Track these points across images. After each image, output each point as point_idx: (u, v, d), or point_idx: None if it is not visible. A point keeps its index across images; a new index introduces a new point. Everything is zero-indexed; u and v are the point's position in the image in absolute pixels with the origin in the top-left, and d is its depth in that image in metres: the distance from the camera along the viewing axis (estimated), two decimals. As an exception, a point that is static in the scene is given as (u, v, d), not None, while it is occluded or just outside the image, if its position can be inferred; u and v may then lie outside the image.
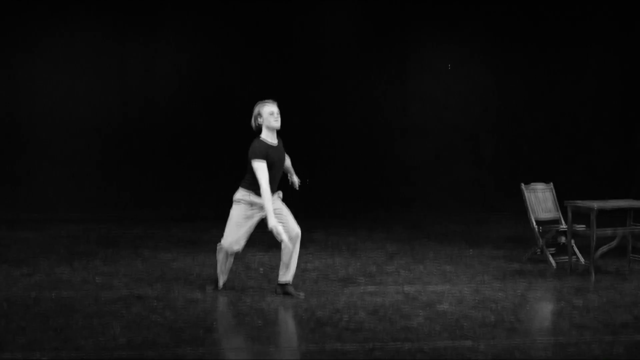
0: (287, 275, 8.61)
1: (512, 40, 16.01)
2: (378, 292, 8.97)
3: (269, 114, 8.32)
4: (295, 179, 8.90)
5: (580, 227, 10.34)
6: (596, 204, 9.94)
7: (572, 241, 10.26)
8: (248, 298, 8.58)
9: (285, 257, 8.52)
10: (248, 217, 8.42)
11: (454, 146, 16.04)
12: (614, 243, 10.08)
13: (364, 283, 9.40)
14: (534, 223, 10.70)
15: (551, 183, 11.04)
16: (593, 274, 9.88)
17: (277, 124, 8.35)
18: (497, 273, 10.03)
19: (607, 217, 10.45)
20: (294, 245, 8.42)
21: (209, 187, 15.10)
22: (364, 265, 10.46)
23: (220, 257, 8.61)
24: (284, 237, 8.10)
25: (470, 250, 11.05)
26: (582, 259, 10.61)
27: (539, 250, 10.69)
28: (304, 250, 11.46)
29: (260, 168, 8.18)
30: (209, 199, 14.91)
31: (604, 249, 10.16)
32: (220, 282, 8.78)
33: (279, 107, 8.41)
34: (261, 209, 8.27)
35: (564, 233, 10.45)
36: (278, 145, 8.41)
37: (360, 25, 15.75)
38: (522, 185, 10.83)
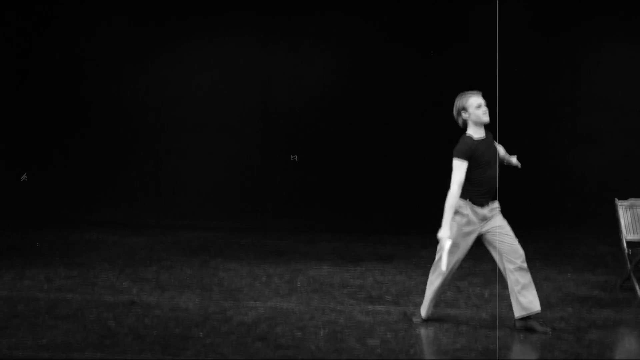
0: (423, 308, 8.28)
1: None
2: (377, 311, 8.63)
3: (475, 107, 7.88)
4: (514, 160, 8.41)
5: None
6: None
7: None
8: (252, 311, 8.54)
9: (429, 289, 8.22)
10: (465, 235, 8.03)
11: (634, 156, 14.88)
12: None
13: (384, 302, 9.04)
14: (625, 244, 9.74)
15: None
16: (667, 306, 8.88)
17: (486, 117, 7.89)
18: (558, 299, 9.30)
19: None
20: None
21: (337, 198, 15.06)
22: (417, 284, 10.10)
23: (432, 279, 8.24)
24: (443, 258, 7.81)
25: (485, 293, 10.16)
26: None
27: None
28: (381, 264, 11.23)
29: (458, 168, 7.77)
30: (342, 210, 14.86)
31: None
32: (423, 313, 8.31)
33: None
34: (482, 220, 7.93)
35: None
36: (487, 139, 7.95)
37: (531, 24, 15.03)
38: (617, 201, 9.91)
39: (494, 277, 10.61)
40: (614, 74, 15.05)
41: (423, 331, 7.94)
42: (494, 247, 7.95)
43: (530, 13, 15.21)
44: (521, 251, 7.88)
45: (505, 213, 14.09)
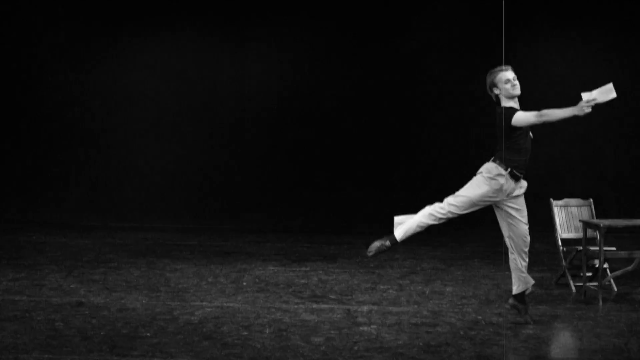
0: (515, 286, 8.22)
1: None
2: (321, 309, 8.62)
3: (504, 83, 7.77)
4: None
5: (610, 249, 9.46)
6: (604, 222, 9.06)
7: (605, 264, 9.37)
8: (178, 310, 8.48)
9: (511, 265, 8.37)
10: (485, 199, 8.06)
11: (570, 159, 15.08)
12: (630, 267, 9.09)
13: (328, 301, 9.03)
14: (559, 242, 9.84)
15: (590, 199, 10.12)
16: (600, 300, 8.97)
17: (516, 90, 7.77)
18: (496, 295, 9.38)
19: None
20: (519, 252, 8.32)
21: (282, 199, 15.06)
22: (360, 282, 10.09)
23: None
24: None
25: (426, 290, 10.15)
26: (614, 285, 9.67)
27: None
28: (325, 264, 11.25)
29: (522, 113, 7.66)
30: (286, 210, 14.87)
31: (617, 273, 9.23)
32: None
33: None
34: (508, 195, 7.93)
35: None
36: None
37: (460, 27, 15.17)
38: (552, 201, 10.00)
39: (434, 275, 10.69)
40: (548, 79, 15.21)
41: (366, 329, 7.95)
42: (506, 224, 8.22)
43: (464, 17, 15.35)
44: (528, 239, 8.27)
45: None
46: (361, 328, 7.96)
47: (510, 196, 7.99)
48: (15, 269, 10.68)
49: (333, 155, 15.29)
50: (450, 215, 8.15)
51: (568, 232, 9.94)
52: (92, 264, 11.21)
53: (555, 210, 9.98)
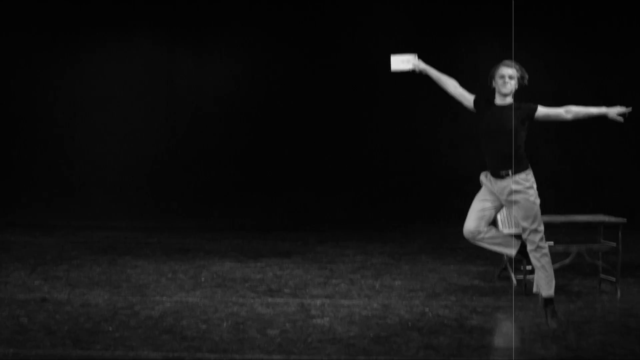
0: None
1: (574, 46, 15.06)
2: (277, 303, 8.63)
3: (499, 77, 7.54)
4: (614, 112, 7.84)
5: (548, 244, 9.54)
6: (543, 218, 9.13)
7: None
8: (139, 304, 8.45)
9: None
10: (486, 197, 7.89)
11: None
12: (567, 260, 9.20)
13: (283, 295, 9.06)
14: (501, 237, 9.92)
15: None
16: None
17: (504, 89, 7.54)
18: (442, 289, 9.42)
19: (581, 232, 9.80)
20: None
21: (238, 197, 15.06)
22: (313, 277, 10.13)
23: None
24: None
25: (376, 284, 10.17)
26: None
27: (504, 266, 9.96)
28: (280, 260, 11.28)
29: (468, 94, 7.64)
30: (244, 208, 14.86)
31: (555, 266, 9.31)
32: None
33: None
34: (501, 190, 7.65)
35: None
36: (503, 110, 7.58)
37: (408, 32, 15.25)
38: (494, 198, 10.06)
39: (384, 269, 10.75)
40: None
41: (319, 321, 7.98)
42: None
43: (413, 21, 15.44)
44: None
45: (395, 209, 14.29)
46: (314, 320, 7.99)
47: (504, 194, 7.74)
48: (-20, 267, 10.59)
49: (285, 156, 15.32)
50: (465, 228, 8.12)
51: (509, 228, 10.03)
52: (56, 261, 11.13)
53: (498, 207, 10.07)
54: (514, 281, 9.76)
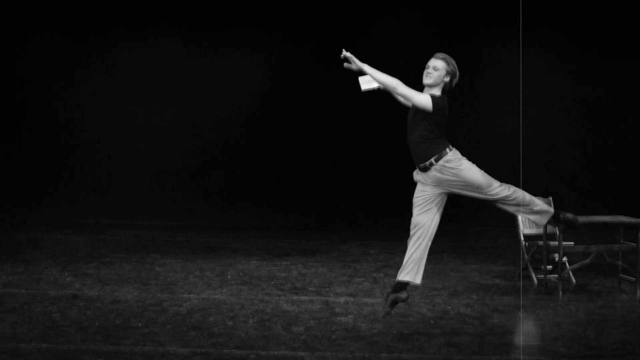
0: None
1: (592, 48, 14.91)
2: (301, 301, 8.60)
3: (425, 68, 7.25)
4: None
5: (569, 244, 9.48)
6: (563, 218, 9.06)
7: (564, 258, 9.41)
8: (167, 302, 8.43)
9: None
10: (421, 194, 7.31)
11: (530, 159, 15.08)
12: (587, 260, 9.11)
13: (308, 293, 9.02)
14: (522, 238, 9.86)
15: (550, 197, 10.13)
16: (560, 291, 9.00)
17: (426, 79, 7.25)
18: (464, 287, 9.36)
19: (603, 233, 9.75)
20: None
21: (264, 197, 15.04)
22: (337, 276, 10.08)
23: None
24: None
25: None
26: (572, 277, 9.70)
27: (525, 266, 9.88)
28: (305, 258, 11.25)
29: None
30: (269, 210, 14.85)
31: (575, 266, 9.26)
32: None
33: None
34: (433, 182, 7.20)
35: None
36: None
37: (428, 36, 15.19)
38: (514, 198, 9.97)
39: (406, 268, 10.67)
40: (510, 84, 15.24)
41: (343, 319, 7.94)
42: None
43: (430, 25, 15.37)
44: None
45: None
46: (339, 318, 7.95)
47: (436, 185, 7.32)
48: (14, 264, 10.60)
49: (310, 156, 15.28)
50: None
51: (530, 228, 9.97)
52: (87, 259, 11.14)
53: (518, 207, 9.99)
54: (535, 280, 9.68)
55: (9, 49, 15.31)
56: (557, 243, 9.20)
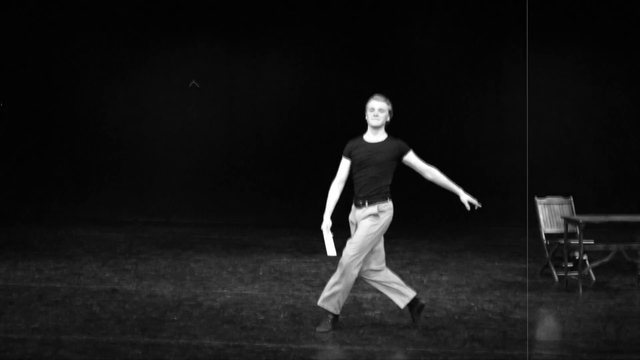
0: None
1: (614, 51, 14.83)
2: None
3: (369, 110, 7.31)
4: (465, 198, 7.43)
5: (589, 243, 9.46)
6: (583, 218, 9.08)
7: (584, 256, 9.38)
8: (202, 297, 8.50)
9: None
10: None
11: (551, 159, 15.04)
12: (606, 258, 9.08)
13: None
14: (543, 236, 9.84)
15: (570, 197, 10.11)
16: (580, 288, 8.98)
17: (372, 121, 7.28)
18: (487, 284, 9.35)
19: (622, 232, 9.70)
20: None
21: (295, 196, 15.09)
22: (365, 272, 10.04)
23: None
24: (326, 240, 7.27)
25: (424, 279, 10.04)
26: (592, 275, 9.67)
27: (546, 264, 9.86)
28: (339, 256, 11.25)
29: (341, 164, 7.41)
30: (302, 208, 14.90)
31: (595, 264, 9.23)
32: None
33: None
34: (357, 222, 7.30)
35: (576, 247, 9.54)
36: (377, 144, 7.32)
37: (455, 39, 15.18)
38: (536, 199, 9.99)
39: (431, 266, 10.70)
40: (533, 88, 15.20)
41: (370, 314, 7.97)
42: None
43: (459, 30, 15.34)
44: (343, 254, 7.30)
45: (442, 209, 14.20)
46: (366, 313, 7.98)
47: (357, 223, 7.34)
48: (56, 260, 10.72)
49: (339, 155, 15.30)
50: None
51: (551, 227, 9.94)
52: (125, 255, 11.25)
53: (539, 207, 9.98)
54: (556, 278, 9.66)
55: (50, 51, 15.48)
56: (577, 242, 9.18)
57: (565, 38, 15.11)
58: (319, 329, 7.24)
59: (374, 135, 7.35)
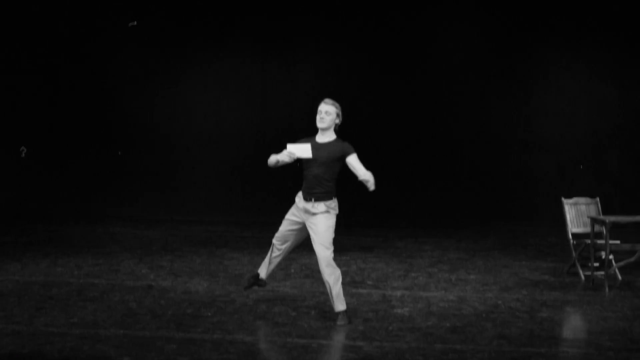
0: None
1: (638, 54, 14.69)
2: (360, 294, 8.60)
3: (317, 113, 7.63)
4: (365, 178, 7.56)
5: (615, 242, 9.36)
6: (610, 218, 8.99)
7: (611, 255, 9.28)
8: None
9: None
10: (291, 219, 7.85)
11: (578, 161, 14.91)
12: (632, 258, 8.98)
13: (366, 286, 9.03)
14: (570, 236, 9.74)
15: (597, 198, 10.00)
16: (607, 288, 8.88)
17: (319, 123, 7.62)
18: (514, 283, 9.28)
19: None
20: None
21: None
22: (394, 270, 10.05)
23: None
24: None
25: (452, 278, 9.86)
26: (618, 274, 9.56)
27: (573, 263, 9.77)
28: (363, 254, 11.24)
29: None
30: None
31: (621, 263, 9.13)
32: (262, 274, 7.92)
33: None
34: (305, 213, 7.65)
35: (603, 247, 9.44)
36: (324, 144, 7.66)
37: (483, 44, 15.10)
38: (563, 199, 9.89)
39: (459, 264, 10.64)
40: (560, 91, 15.10)
41: (399, 311, 7.93)
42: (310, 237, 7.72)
43: (487, 34, 15.25)
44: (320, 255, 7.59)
45: (470, 208, 14.11)
46: (395, 310, 7.95)
47: (308, 214, 7.70)
48: (94, 257, 10.79)
49: (369, 158, 15.26)
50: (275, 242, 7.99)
51: (577, 227, 9.84)
52: (160, 252, 11.29)
53: (566, 207, 9.89)
54: (582, 277, 9.56)
55: (98, 60, 15.61)
56: (604, 241, 9.08)
57: (591, 41, 14.97)
58: (339, 322, 7.33)
59: (322, 136, 7.66)
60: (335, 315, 7.43)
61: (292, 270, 10.02)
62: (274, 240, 7.92)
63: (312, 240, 7.65)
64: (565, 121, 14.97)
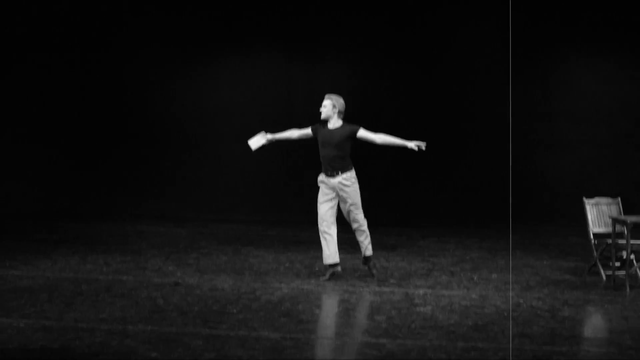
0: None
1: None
2: (383, 292, 8.59)
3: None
4: (411, 145, 9.14)
5: (636, 242, 9.29)
6: (631, 218, 8.93)
7: (632, 255, 9.23)
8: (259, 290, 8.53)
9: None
10: (325, 196, 9.25)
11: (599, 161, 14.81)
12: (653, 259, 8.92)
13: (389, 285, 9.02)
14: (591, 236, 9.68)
15: (618, 198, 9.93)
16: (628, 287, 8.82)
17: (322, 115, 9.23)
18: (536, 282, 9.25)
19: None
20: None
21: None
22: (417, 269, 10.03)
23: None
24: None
25: (474, 277, 9.82)
26: (639, 274, 9.49)
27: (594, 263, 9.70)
28: (386, 252, 11.23)
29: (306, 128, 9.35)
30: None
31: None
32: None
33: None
34: (332, 190, 9.16)
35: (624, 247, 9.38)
36: (333, 129, 9.14)
37: (503, 42, 15.01)
38: (584, 199, 9.83)
39: (481, 263, 10.60)
40: (581, 90, 15.00)
41: (422, 309, 7.92)
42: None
43: (506, 34, 15.16)
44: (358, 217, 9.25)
45: (492, 208, 14.05)
46: (418, 308, 7.94)
47: (336, 191, 9.21)
48: (122, 254, 10.84)
49: (392, 157, 15.25)
50: (321, 226, 9.47)
51: (599, 227, 9.78)
52: (187, 250, 11.33)
53: (588, 207, 9.82)
54: (604, 276, 9.50)
55: (123, 59, 15.68)
56: (625, 241, 9.02)
57: (614, 40, 14.86)
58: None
59: (330, 124, 9.21)
60: (366, 260, 9.34)
61: (317, 268, 10.02)
62: (320, 227, 9.28)
63: (345, 209, 9.28)
64: (586, 120, 14.87)
